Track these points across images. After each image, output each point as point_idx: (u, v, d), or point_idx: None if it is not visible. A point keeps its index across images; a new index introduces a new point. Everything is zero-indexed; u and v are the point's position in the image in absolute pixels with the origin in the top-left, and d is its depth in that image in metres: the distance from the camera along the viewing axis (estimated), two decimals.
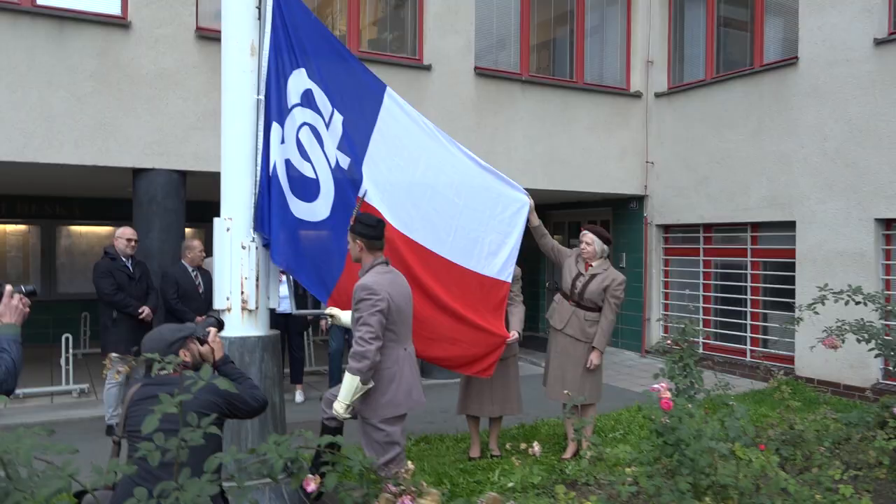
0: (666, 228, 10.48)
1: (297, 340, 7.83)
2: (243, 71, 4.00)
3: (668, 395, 2.98)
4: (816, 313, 5.15)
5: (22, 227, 11.94)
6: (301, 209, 4.22)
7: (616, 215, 11.05)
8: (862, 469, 4.34)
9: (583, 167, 9.89)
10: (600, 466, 3.97)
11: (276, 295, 4.18)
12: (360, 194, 4.18)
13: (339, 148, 4.27)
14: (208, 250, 7.06)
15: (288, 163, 4.16)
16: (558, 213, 12.09)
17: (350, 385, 3.71)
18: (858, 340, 4.94)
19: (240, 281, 3.98)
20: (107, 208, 11.98)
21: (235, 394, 2.80)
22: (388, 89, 4.48)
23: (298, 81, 4.17)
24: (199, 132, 7.41)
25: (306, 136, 4.24)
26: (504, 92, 9.29)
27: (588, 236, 5.43)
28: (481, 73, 9.09)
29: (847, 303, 5.20)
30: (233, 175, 4.04)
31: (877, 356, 6.00)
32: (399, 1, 9.11)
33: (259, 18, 4.00)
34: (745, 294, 9.30)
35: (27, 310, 2.76)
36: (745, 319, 9.31)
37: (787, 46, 8.78)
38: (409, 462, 3.16)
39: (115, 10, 7.15)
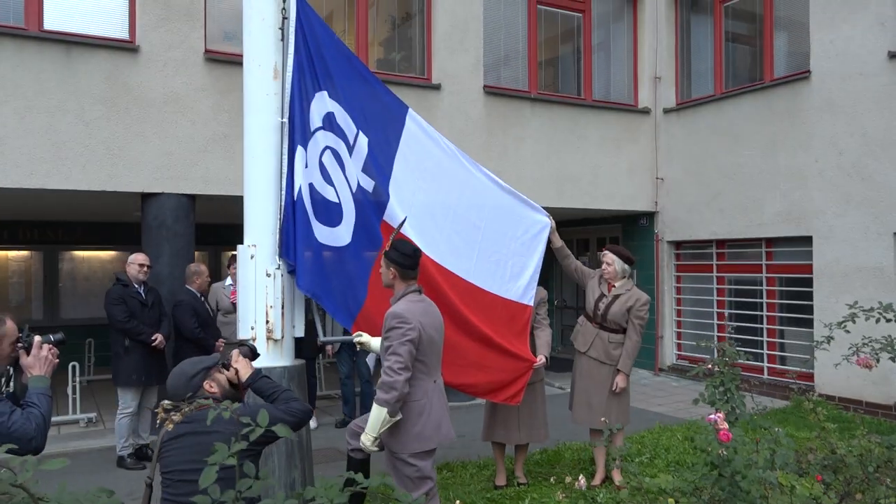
0: (677, 245, 10.38)
1: (308, 365, 7.68)
2: (266, 94, 3.90)
3: (726, 426, 2.85)
4: (847, 331, 5.03)
5: (24, 253, 11.80)
6: (324, 234, 4.12)
7: (626, 232, 10.95)
8: None
9: (593, 184, 9.81)
10: (638, 497, 3.84)
11: (301, 323, 4.06)
12: (400, 220, 4.05)
13: (364, 170, 4.17)
14: (214, 275, 6.99)
15: (311, 187, 4.05)
16: (567, 230, 11.96)
17: (377, 417, 3.57)
18: (894, 360, 4.81)
19: (265, 309, 3.86)
20: (110, 232, 11.86)
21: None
22: (410, 111, 4.40)
23: (321, 104, 4.08)
24: (208, 155, 7.31)
25: (329, 160, 4.14)
26: (513, 110, 9.23)
27: (608, 256, 5.32)
28: (490, 91, 9.03)
29: (878, 320, 5.09)
30: (256, 200, 3.93)
31: None
32: (407, 20, 9.07)
33: (282, 40, 3.91)
34: (761, 311, 9.19)
35: (56, 360, 2.65)
36: (762, 336, 9.19)
37: (797, 60, 8.73)
38: None
39: (123, 34, 7.08)
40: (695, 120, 9.87)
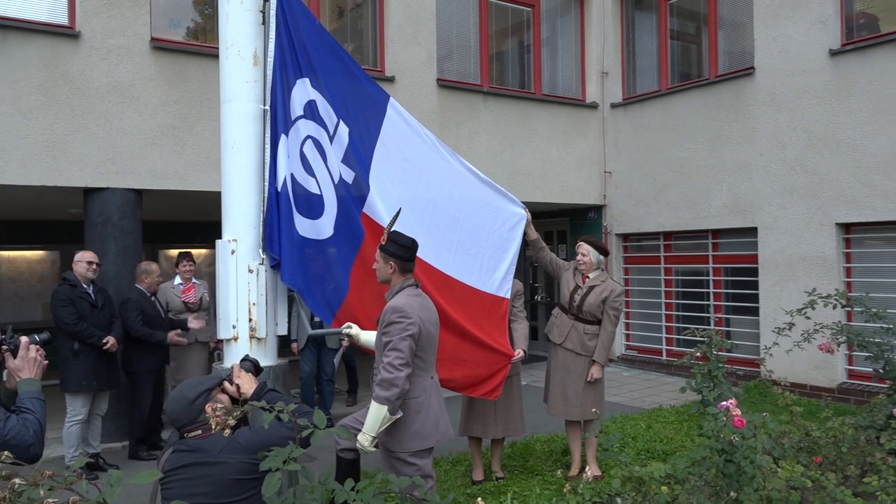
0: (625, 237, 10.58)
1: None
2: (245, 81, 3.71)
3: (739, 412, 2.87)
4: (807, 317, 5.21)
5: None
6: (305, 227, 3.96)
7: (574, 225, 11.08)
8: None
9: (543, 178, 9.87)
10: (627, 486, 3.86)
11: (284, 321, 3.89)
12: (381, 212, 3.94)
13: (345, 161, 4.03)
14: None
15: (293, 178, 3.89)
16: None
17: (377, 415, 3.42)
18: (858, 346, 5.01)
19: (247, 307, 3.67)
20: (38, 231, 11.19)
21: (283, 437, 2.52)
22: (392, 100, 4.28)
23: (302, 92, 3.91)
24: (156, 148, 6.97)
25: (310, 150, 3.98)
26: (466, 103, 9.19)
27: (583, 247, 5.35)
28: (444, 84, 8.95)
29: (836, 307, 5.30)
30: (236, 193, 3.73)
31: (866, 358, 6.13)
32: (359, 11, 8.89)
33: (263, 23, 3.73)
34: (708, 300, 9.46)
35: (45, 361, 2.44)
36: (709, 325, 9.45)
37: (741, 57, 9.00)
38: None
39: (63, 19, 6.66)
40: (641, 115, 10.06)
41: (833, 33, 7.85)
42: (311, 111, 3.95)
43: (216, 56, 6.97)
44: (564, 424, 5.46)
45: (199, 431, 2.50)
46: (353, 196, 4.09)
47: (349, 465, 4.03)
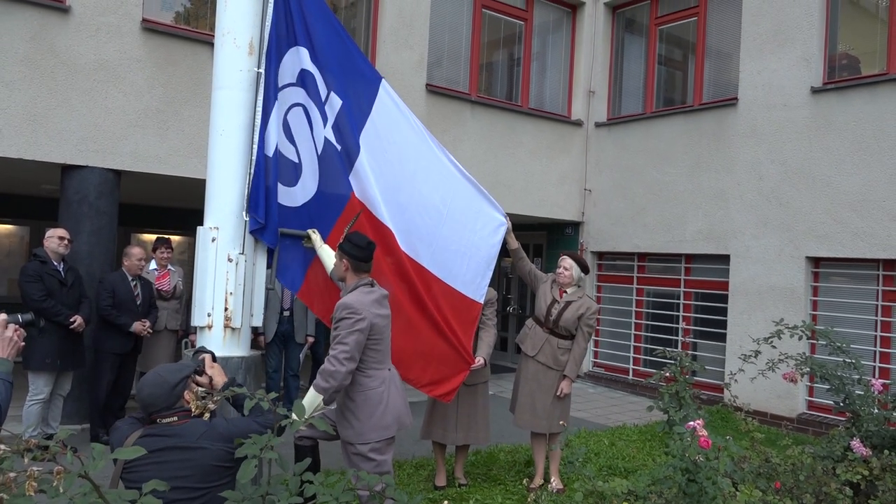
0: (600, 255, 10.68)
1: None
2: (240, 69, 3.69)
3: (706, 433, 2.92)
4: (774, 346, 5.31)
5: None
6: (281, 192, 3.96)
7: (551, 240, 11.17)
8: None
9: (524, 190, 9.94)
10: (589, 500, 3.90)
11: (260, 312, 3.87)
12: (361, 199, 3.97)
13: (335, 133, 4.02)
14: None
15: (276, 144, 3.89)
16: None
17: (312, 402, 3.55)
18: (821, 377, 5.11)
19: (224, 296, 3.64)
20: (8, 206, 10.97)
21: (252, 429, 2.52)
22: (384, 82, 4.25)
23: (295, 59, 3.90)
24: (139, 130, 6.90)
25: (295, 118, 3.96)
26: (454, 110, 9.23)
27: (567, 261, 5.38)
28: (432, 90, 8.99)
29: (801, 338, 5.41)
30: (221, 181, 3.71)
31: (827, 390, 6.27)
32: (353, 10, 8.89)
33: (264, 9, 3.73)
34: (677, 323, 9.58)
35: (22, 343, 2.37)
36: (676, 348, 9.57)
37: (725, 87, 9.17)
38: None
39: None
40: (625, 136, 10.19)
41: (816, 71, 8.04)
42: (303, 80, 3.93)
43: (207, 42, 7.02)
44: (530, 436, 5.49)
45: (175, 418, 2.47)
46: (340, 169, 4.07)
47: (307, 452, 4.06)
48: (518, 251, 5.24)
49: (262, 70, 3.74)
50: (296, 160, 4.03)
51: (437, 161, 4.51)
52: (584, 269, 5.41)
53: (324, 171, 4.05)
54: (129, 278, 6.31)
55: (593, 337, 10.58)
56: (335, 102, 4.02)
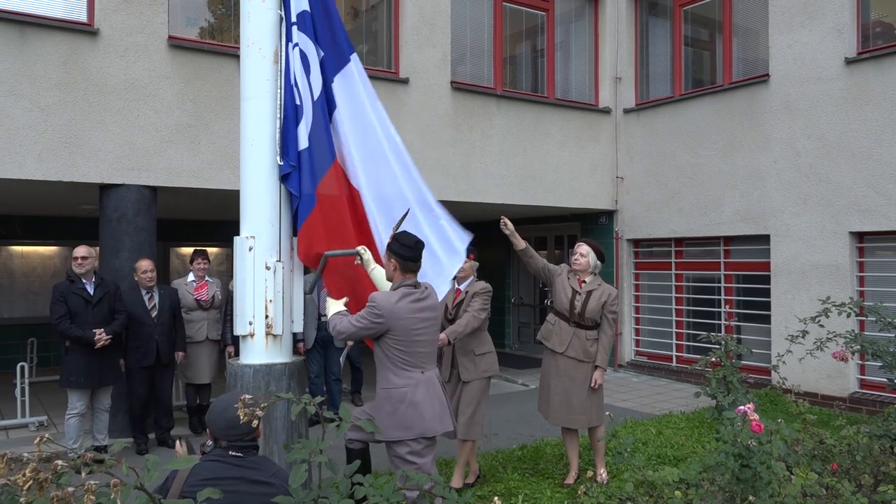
0: (636, 243, 10.56)
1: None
2: (266, 79, 3.73)
3: (757, 416, 2.87)
4: (821, 325, 5.18)
5: None
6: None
7: (585, 230, 11.07)
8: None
9: (556, 182, 9.87)
10: (639, 490, 3.85)
11: (300, 318, 3.90)
12: (353, 176, 3.96)
13: (322, 79, 3.97)
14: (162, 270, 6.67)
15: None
16: (525, 227, 12.00)
17: (332, 308, 3.82)
18: (872, 355, 4.98)
19: (264, 304, 3.69)
20: (51, 227, 11.27)
21: None
22: (355, 55, 4.12)
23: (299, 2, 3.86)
24: (171, 146, 7.01)
25: (295, 60, 3.84)
26: (480, 106, 9.20)
27: (583, 247, 5.23)
28: (458, 87, 8.97)
29: (849, 315, 5.27)
30: (254, 190, 3.75)
31: (880, 368, 6.11)
32: (373, 12, 8.92)
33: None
34: (719, 307, 9.43)
35: None
36: (719, 332, 9.41)
37: (755, 64, 8.99)
38: None
39: (81, 16, 6.70)
40: (654, 120, 10.05)
41: (849, 41, 7.83)
42: (302, 22, 3.86)
43: (233, 55, 7.10)
44: (562, 431, 5.38)
45: (249, 446, 2.47)
46: (322, 115, 3.98)
47: (358, 455, 4.06)
48: (527, 250, 5.11)
49: (282, 13, 3.75)
50: (297, 102, 3.89)
51: (397, 151, 4.21)
52: (601, 256, 5.25)
53: (316, 116, 3.94)
54: (144, 292, 6.40)
55: (633, 325, 10.48)
56: (319, 52, 3.96)
